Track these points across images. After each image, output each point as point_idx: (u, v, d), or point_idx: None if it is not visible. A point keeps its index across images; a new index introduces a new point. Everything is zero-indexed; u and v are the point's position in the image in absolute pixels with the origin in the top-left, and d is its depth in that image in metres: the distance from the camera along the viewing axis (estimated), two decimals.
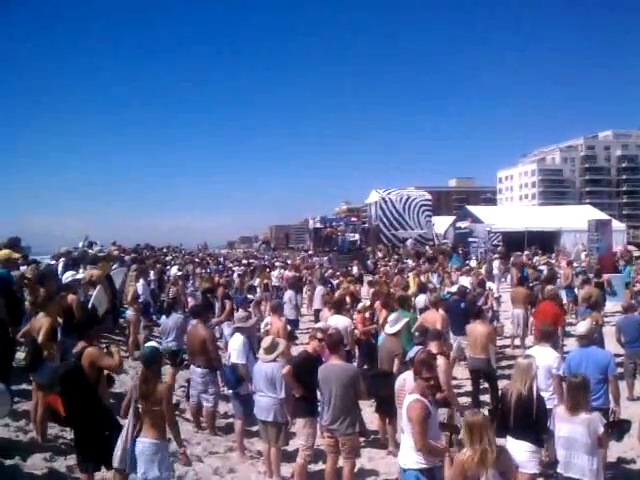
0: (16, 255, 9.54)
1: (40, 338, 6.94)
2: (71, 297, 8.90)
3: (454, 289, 13.83)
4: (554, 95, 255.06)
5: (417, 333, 8.59)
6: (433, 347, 7.36)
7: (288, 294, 16.06)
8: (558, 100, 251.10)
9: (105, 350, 6.52)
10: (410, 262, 25.85)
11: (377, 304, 11.86)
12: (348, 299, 12.97)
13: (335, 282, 17.91)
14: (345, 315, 10.62)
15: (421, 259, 27.00)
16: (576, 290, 16.64)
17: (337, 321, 9.93)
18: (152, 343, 6.52)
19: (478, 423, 4.60)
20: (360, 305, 12.56)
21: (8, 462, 6.38)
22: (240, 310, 10.21)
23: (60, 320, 8.08)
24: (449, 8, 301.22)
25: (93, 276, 11.74)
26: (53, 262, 15.06)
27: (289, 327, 11.24)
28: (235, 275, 22.18)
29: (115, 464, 5.43)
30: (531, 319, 13.09)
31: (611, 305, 16.44)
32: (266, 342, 7.56)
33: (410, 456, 5.33)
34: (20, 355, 7.98)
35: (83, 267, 13.45)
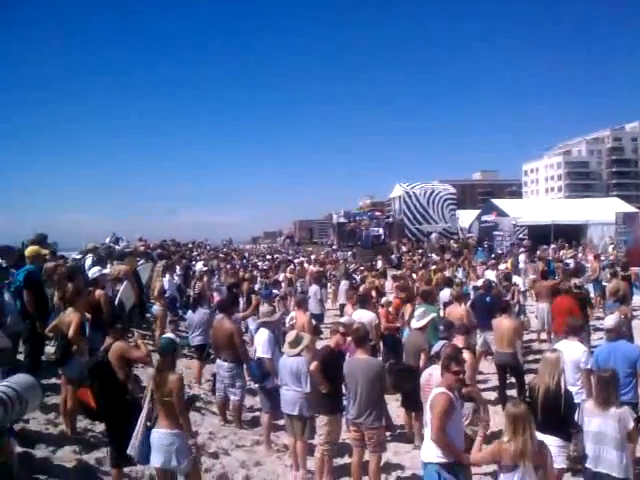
0: (44, 251, 9.66)
1: (70, 333, 7.02)
2: (98, 292, 8.99)
3: (479, 283, 13.75)
4: (580, 86, 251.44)
5: (442, 327, 8.55)
6: (459, 341, 7.33)
7: (313, 289, 16.09)
8: (584, 92, 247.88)
9: (133, 344, 6.60)
10: (434, 256, 25.71)
11: (395, 298, 11.91)
12: (374, 293, 12.95)
13: (359, 277, 17.91)
14: (371, 310, 10.60)
15: (445, 253, 26.84)
16: (604, 283, 16.44)
17: (362, 316, 9.92)
18: (170, 334, 6.56)
19: (520, 414, 4.63)
20: (384, 299, 12.54)
21: (38, 454, 6.47)
22: (265, 305, 10.24)
23: (88, 315, 8.18)
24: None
25: (120, 272, 11.84)
26: (80, 257, 15.22)
27: (314, 321, 11.25)
28: (258, 270, 22.22)
29: (128, 450, 5.51)
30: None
31: (638, 299, 16.21)
32: (291, 336, 7.59)
33: (431, 450, 5.30)
34: (49, 349, 8.10)
35: (110, 263, 13.57)
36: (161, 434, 5.45)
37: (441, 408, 5.15)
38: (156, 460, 5.48)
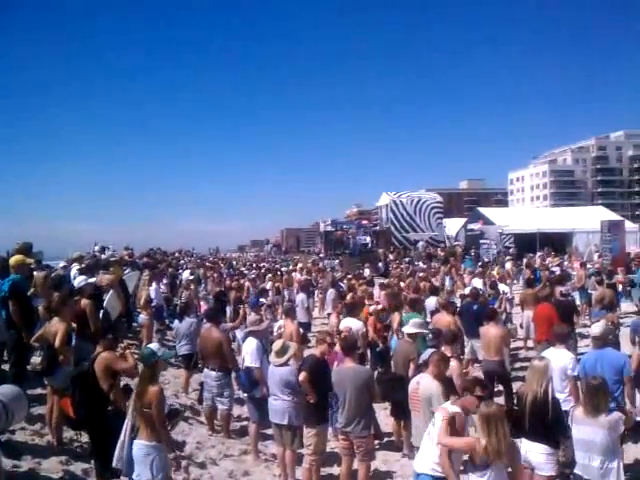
0: (29, 260, 9.57)
1: (57, 343, 6.96)
2: (84, 302, 8.93)
3: (467, 291, 13.79)
4: (565, 96, 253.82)
5: (430, 336, 8.57)
6: (447, 350, 7.35)
7: (300, 297, 16.04)
8: (569, 101, 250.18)
9: (120, 354, 6.53)
10: (421, 264, 25.77)
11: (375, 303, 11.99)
12: (366, 301, 12.96)
13: (346, 285, 17.88)
14: (359, 318, 10.63)
15: (432, 261, 26.93)
16: (590, 291, 16.54)
17: (349, 324, 9.92)
18: (152, 345, 6.50)
19: (493, 414, 4.64)
20: (372, 308, 12.53)
21: (24, 465, 6.41)
22: (252, 314, 10.21)
23: (74, 325, 8.12)
24: (461, 7, 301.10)
25: (104, 281, 11.77)
26: (64, 266, 15.11)
27: (301, 330, 11.23)
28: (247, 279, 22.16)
29: (113, 463, 5.43)
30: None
31: (625, 306, 16.32)
32: (277, 345, 7.57)
33: (426, 462, 5.28)
34: (35, 360, 8.02)
35: (96, 272, 13.49)
36: (139, 445, 5.36)
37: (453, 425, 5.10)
38: (135, 472, 5.37)
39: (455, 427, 5.11)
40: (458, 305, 12.89)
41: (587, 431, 5.43)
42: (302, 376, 6.96)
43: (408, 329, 8.63)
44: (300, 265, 29.99)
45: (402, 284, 17.37)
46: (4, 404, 4.38)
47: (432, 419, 5.45)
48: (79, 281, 10.65)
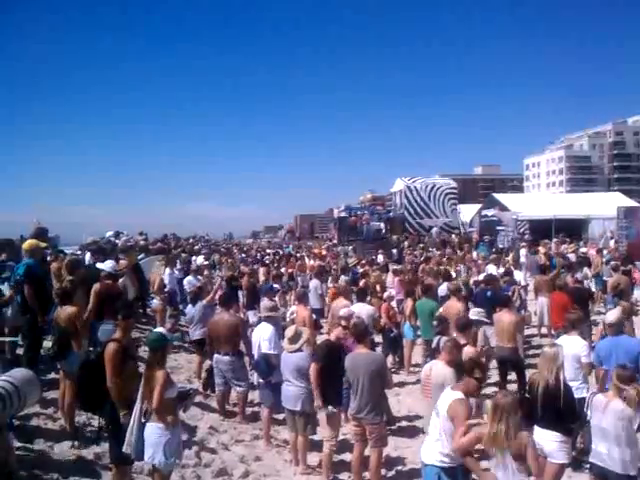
0: (43, 244, 9.63)
1: (78, 326, 7.03)
2: (110, 284, 9.06)
3: (481, 277, 13.72)
4: (582, 80, 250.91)
5: (436, 322, 8.52)
6: (460, 337, 7.30)
7: (313, 283, 16.03)
8: (586, 85, 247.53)
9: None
10: (436, 251, 25.65)
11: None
12: (378, 287, 12.95)
13: (360, 271, 17.86)
14: (372, 303, 10.62)
15: (446, 248, 26.79)
16: (605, 278, 16.40)
17: (361, 309, 9.90)
18: (160, 329, 6.48)
19: (503, 404, 4.59)
20: (386, 294, 12.53)
21: (36, 449, 6.47)
22: (265, 299, 10.20)
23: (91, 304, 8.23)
24: None
25: (120, 266, 11.83)
26: (79, 252, 15.22)
27: (314, 316, 11.22)
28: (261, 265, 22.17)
29: (124, 448, 5.43)
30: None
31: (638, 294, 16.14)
32: (290, 332, 7.56)
33: (433, 452, 5.24)
34: (47, 344, 8.07)
35: (112, 256, 13.56)
36: (152, 428, 5.38)
37: (464, 417, 5.03)
38: (147, 454, 5.39)
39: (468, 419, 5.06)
40: (471, 291, 12.82)
41: (604, 418, 5.39)
42: (312, 368, 6.98)
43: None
44: (316, 250, 30.06)
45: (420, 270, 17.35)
46: (17, 388, 4.41)
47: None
48: (107, 265, 10.73)
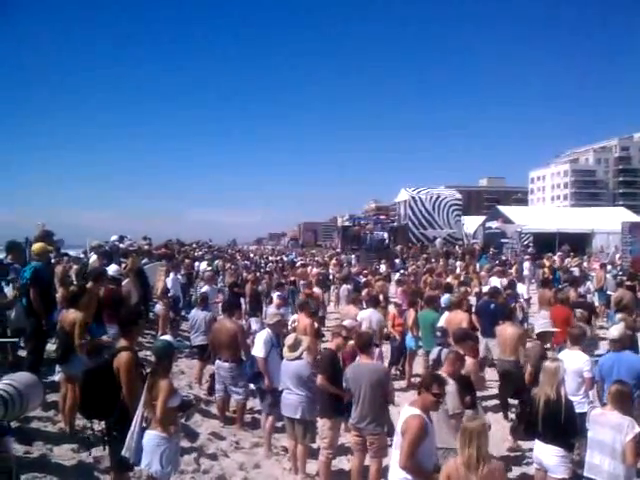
0: (49, 248, 9.67)
1: (75, 333, 7.02)
2: (112, 289, 9.07)
3: (484, 289, 13.72)
4: (588, 95, 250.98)
5: (439, 334, 8.50)
6: (460, 349, 7.27)
7: (315, 291, 16.01)
8: (592, 100, 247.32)
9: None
10: (441, 262, 25.63)
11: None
12: (381, 297, 12.96)
13: (362, 280, 17.85)
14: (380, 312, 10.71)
15: (450, 259, 26.77)
16: (609, 292, 16.36)
17: (371, 315, 9.99)
18: (167, 336, 6.47)
19: (472, 428, 4.38)
20: (393, 304, 12.62)
21: (36, 452, 6.46)
22: (273, 307, 10.23)
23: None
24: (489, 5, 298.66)
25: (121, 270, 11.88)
26: (83, 256, 15.26)
27: (315, 324, 11.22)
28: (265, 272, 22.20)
29: (123, 452, 5.38)
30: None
31: None
32: (290, 339, 7.55)
33: (397, 472, 5.03)
34: (50, 347, 8.08)
35: (115, 260, 13.60)
36: (151, 435, 5.34)
37: (414, 434, 4.86)
38: (144, 462, 5.34)
39: (422, 439, 4.90)
40: (472, 303, 12.82)
41: (602, 432, 5.39)
42: (320, 379, 6.95)
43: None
44: (318, 259, 30.04)
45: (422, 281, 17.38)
46: (20, 391, 4.40)
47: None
48: (112, 270, 10.77)
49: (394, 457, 5.11)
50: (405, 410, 5.17)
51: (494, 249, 30.18)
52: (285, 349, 7.54)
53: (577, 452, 6.10)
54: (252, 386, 8.80)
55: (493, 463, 4.37)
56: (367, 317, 10.66)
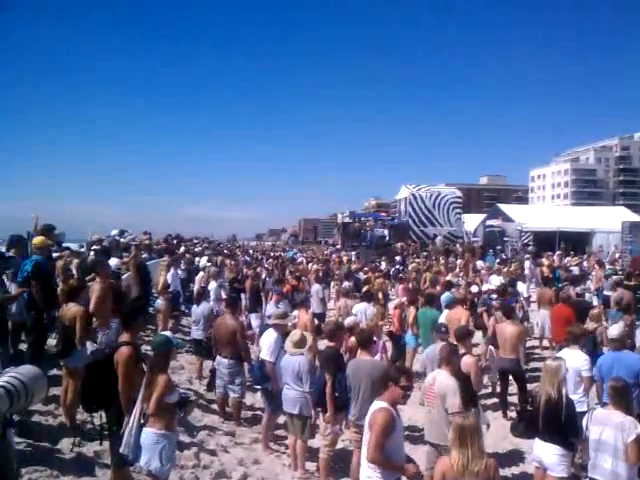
0: (50, 242, 9.66)
1: (77, 327, 7.04)
2: (112, 282, 9.12)
3: (485, 288, 13.75)
4: (589, 94, 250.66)
5: (442, 329, 8.52)
6: (464, 346, 7.30)
7: (315, 288, 16.01)
8: (593, 99, 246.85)
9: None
10: (441, 259, 25.61)
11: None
12: (380, 295, 12.97)
13: (363, 277, 17.83)
14: (378, 310, 10.73)
15: (450, 257, 26.74)
16: (606, 292, 16.35)
17: (366, 309, 10.00)
18: (166, 332, 6.46)
19: (468, 427, 4.40)
20: (397, 301, 12.61)
21: (36, 446, 6.46)
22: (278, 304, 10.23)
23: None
24: (490, 5, 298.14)
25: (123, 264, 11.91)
26: (83, 249, 15.24)
27: (316, 321, 11.24)
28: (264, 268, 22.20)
29: (121, 449, 5.38)
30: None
31: None
32: (295, 335, 7.55)
33: (366, 467, 4.99)
34: (51, 341, 8.08)
35: (115, 254, 13.59)
36: (149, 433, 5.31)
37: (381, 426, 4.82)
38: (143, 459, 5.32)
39: (390, 432, 4.86)
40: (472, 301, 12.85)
41: (603, 431, 5.41)
42: (328, 383, 6.86)
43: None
44: (320, 255, 29.98)
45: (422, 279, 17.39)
46: (25, 385, 4.40)
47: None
48: (114, 263, 10.77)
49: (363, 453, 5.05)
50: (374, 404, 5.14)
51: (497, 247, 30.14)
52: (289, 343, 7.53)
53: (579, 456, 6.12)
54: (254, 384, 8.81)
55: (487, 460, 4.38)
56: (362, 310, 10.69)
